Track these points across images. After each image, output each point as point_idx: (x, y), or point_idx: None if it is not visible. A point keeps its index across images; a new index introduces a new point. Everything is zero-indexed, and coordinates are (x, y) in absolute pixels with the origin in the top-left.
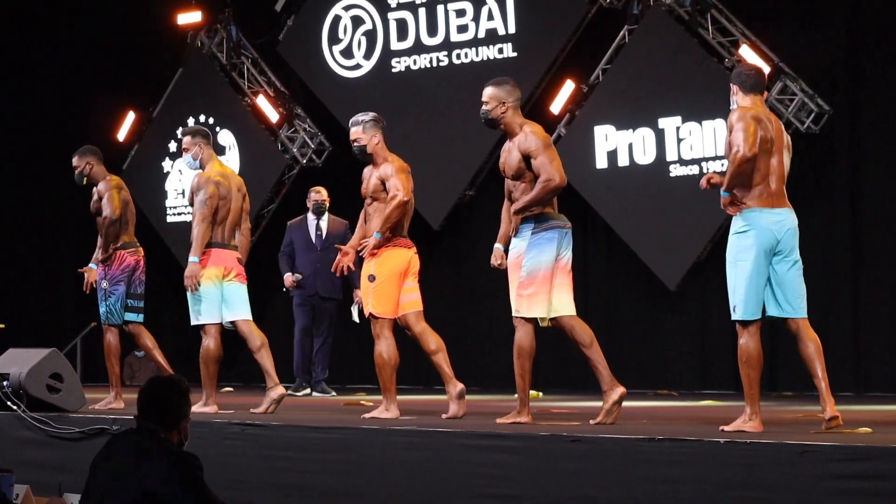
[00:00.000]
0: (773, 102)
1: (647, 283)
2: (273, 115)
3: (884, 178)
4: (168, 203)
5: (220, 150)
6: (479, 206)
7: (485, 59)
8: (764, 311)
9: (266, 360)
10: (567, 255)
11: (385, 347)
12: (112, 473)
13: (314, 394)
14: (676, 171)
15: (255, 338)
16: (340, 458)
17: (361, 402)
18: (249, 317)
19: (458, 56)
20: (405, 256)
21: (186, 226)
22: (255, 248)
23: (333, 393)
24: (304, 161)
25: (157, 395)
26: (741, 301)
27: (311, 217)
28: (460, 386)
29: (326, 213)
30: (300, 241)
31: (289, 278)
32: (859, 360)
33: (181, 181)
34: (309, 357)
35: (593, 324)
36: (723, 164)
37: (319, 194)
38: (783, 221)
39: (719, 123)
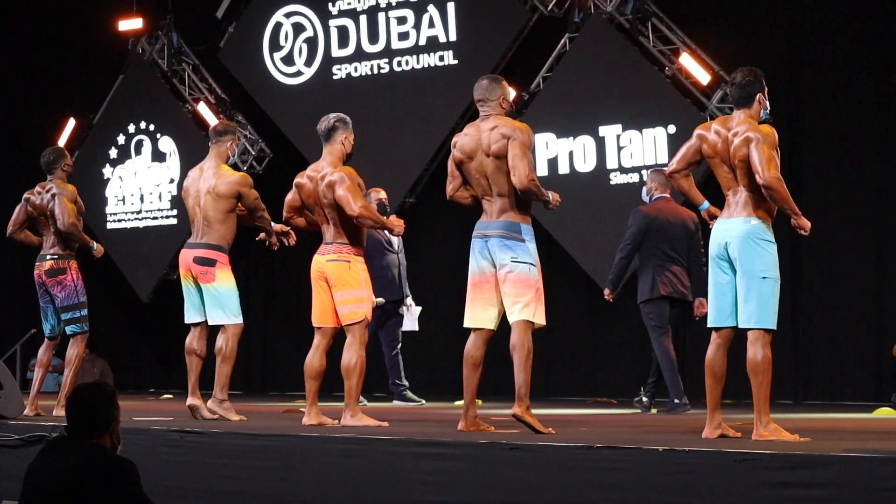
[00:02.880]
0: (714, 111)
1: (588, 291)
2: (214, 122)
3: (823, 187)
4: (108, 209)
5: (160, 157)
6: (420, 214)
7: (426, 66)
8: (707, 319)
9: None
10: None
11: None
12: (47, 480)
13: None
14: (617, 178)
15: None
16: (279, 466)
17: (301, 408)
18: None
19: (400, 63)
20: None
21: (127, 232)
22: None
23: (423, 401)
24: (245, 168)
25: (84, 402)
26: (773, 313)
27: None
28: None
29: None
30: (373, 245)
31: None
32: (798, 369)
33: (122, 187)
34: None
35: (534, 332)
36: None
37: (378, 193)
38: None
39: (659, 132)
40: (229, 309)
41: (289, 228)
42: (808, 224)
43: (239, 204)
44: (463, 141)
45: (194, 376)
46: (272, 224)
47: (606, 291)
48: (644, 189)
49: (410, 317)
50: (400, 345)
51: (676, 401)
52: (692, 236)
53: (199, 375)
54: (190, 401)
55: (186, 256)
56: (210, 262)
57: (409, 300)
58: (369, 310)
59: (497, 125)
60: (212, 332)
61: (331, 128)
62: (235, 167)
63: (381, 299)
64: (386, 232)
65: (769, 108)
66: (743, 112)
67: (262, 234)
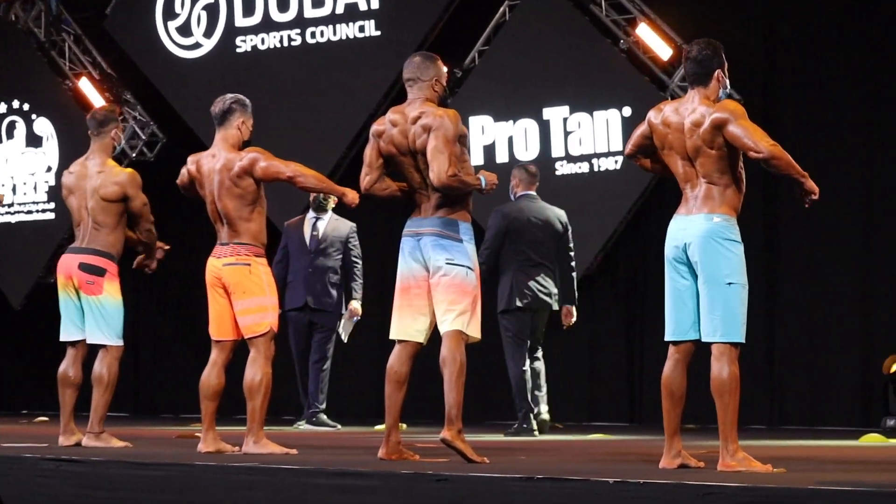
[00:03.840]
0: (676, 90)
1: None
2: (98, 101)
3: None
4: None
5: (35, 141)
6: (337, 209)
7: (344, 38)
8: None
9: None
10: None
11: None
12: None
13: (304, 426)
14: (563, 168)
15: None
16: (171, 500)
17: (196, 433)
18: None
19: (314, 34)
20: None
21: (8, 227)
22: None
23: (338, 426)
24: (134, 155)
25: None
26: (741, 324)
27: (309, 215)
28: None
29: (330, 212)
30: (294, 244)
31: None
32: (772, 388)
33: None
34: (304, 378)
35: (468, 347)
36: (617, 161)
37: None
38: None
39: (613, 115)
40: (113, 328)
41: (168, 247)
42: (816, 188)
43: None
44: (391, 133)
45: (68, 411)
46: (156, 243)
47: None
48: (510, 186)
49: (344, 326)
50: (328, 362)
51: (525, 425)
52: (560, 237)
53: (75, 408)
54: (63, 440)
55: (69, 262)
56: (99, 272)
57: (353, 305)
58: (275, 319)
59: (422, 114)
60: (90, 351)
61: (226, 110)
62: (123, 155)
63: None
64: (307, 228)
65: (729, 85)
66: (698, 92)
67: (141, 257)
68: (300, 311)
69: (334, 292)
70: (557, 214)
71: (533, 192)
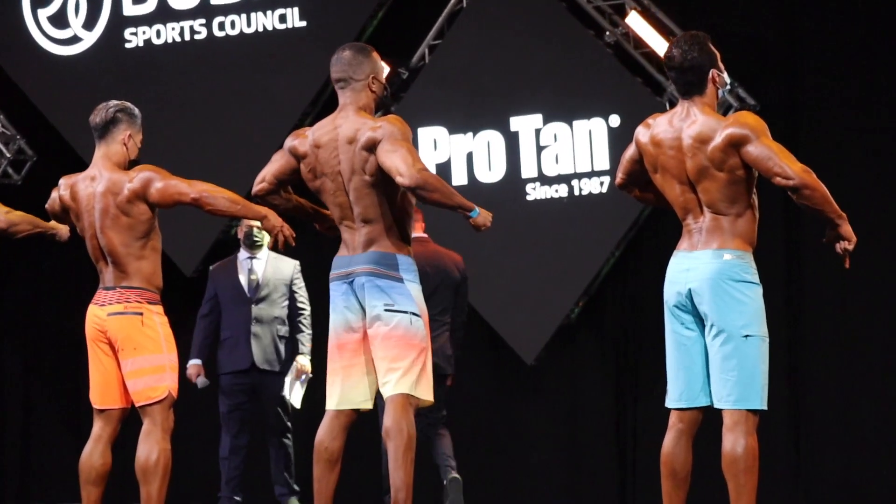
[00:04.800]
0: (674, 94)
1: (494, 354)
2: None
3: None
4: None
5: None
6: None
7: (260, 30)
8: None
9: None
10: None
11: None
12: None
13: None
14: (536, 192)
15: None
16: None
17: None
18: None
19: (223, 26)
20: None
21: None
22: None
23: None
24: None
25: None
26: (762, 386)
27: (241, 255)
28: None
29: (266, 250)
30: (227, 292)
31: (194, 367)
32: (798, 466)
33: None
34: (238, 473)
35: (418, 411)
36: (602, 183)
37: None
38: None
39: (597, 125)
40: None
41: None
42: (853, 236)
43: None
44: (315, 155)
45: None
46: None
47: None
48: None
49: (292, 388)
50: (288, 443)
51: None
52: (457, 288)
53: None
54: None
55: None
56: None
57: (300, 361)
58: (174, 382)
59: (357, 132)
60: None
61: (109, 120)
62: None
63: (202, 379)
64: (241, 272)
65: (728, 79)
66: (693, 103)
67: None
68: (242, 375)
69: (283, 348)
70: (454, 260)
71: (423, 234)
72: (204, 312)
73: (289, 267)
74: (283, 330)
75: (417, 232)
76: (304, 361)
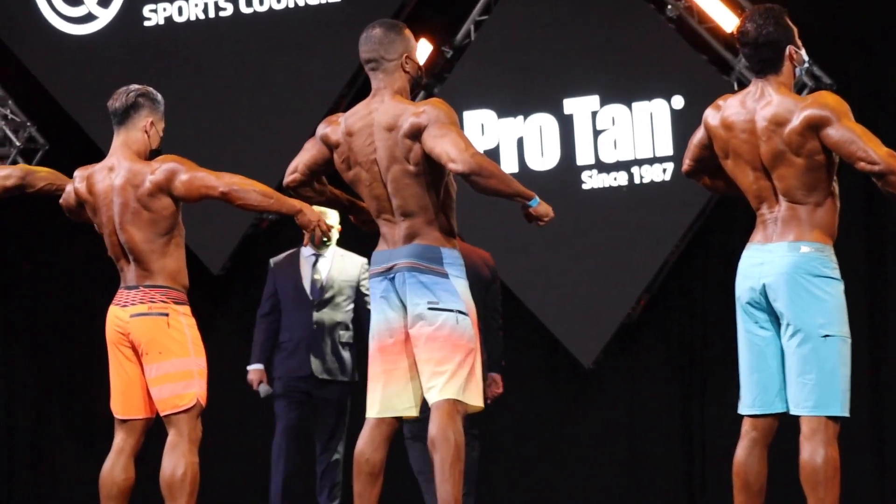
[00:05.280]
0: (743, 73)
1: (549, 358)
2: None
3: None
4: None
5: None
6: (284, 236)
7: (291, 5)
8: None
9: None
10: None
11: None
12: None
13: None
14: (592, 180)
15: None
16: None
17: None
18: None
19: (250, 2)
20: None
21: None
22: None
23: None
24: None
25: None
26: (843, 391)
27: (306, 251)
28: None
29: (333, 248)
30: (288, 292)
31: (255, 373)
32: (883, 477)
33: None
34: (288, 480)
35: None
36: (665, 170)
37: (322, 216)
38: None
39: (658, 107)
40: None
41: None
42: None
43: None
44: (349, 144)
45: None
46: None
47: None
48: None
49: None
50: (337, 455)
51: None
52: (488, 287)
53: None
54: None
55: None
56: None
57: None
58: (203, 389)
59: (398, 112)
60: None
61: (129, 105)
62: None
63: (264, 387)
64: (304, 270)
65: (806, 57)
66: (768, 82)
67: None
68: (299, 381)
69: (347, 355)
70: (483, 257)
71: None
72: (264, 311)
73: (356, 266)
74: (347, 336)
75: None
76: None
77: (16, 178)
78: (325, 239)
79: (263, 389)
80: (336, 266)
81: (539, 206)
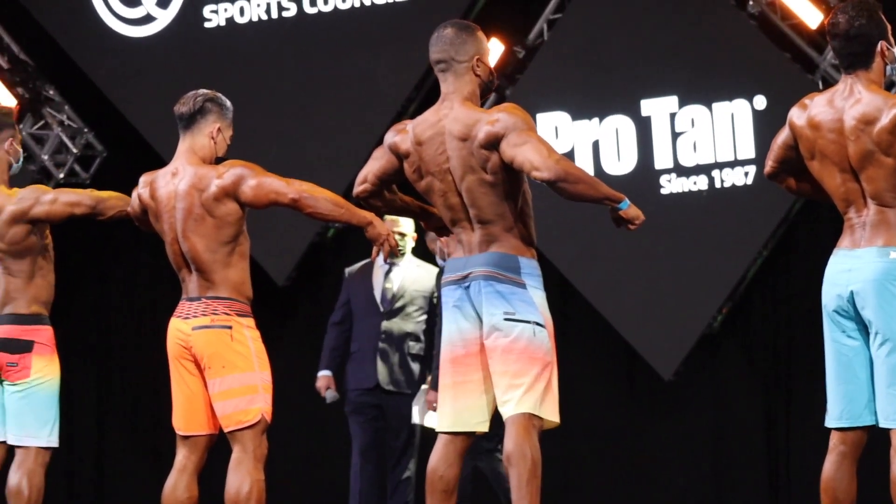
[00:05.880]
0: (828, 72)
1: (628, 369)
2: (7, 100)
3: None
4: None
5: None
6: (351, 245)
7: (357, 5)
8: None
9: None
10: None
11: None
12: None
13: None
14: (672, 184)
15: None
16: None
17: None
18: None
19: (314, 1)
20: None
21: None
22: None
23: None
24: (62, 175)
25: None
26: None
27: (380, 261)
28: None
29: (408, 257)
30: (359, 301)
31: (323, 379)
32: None
33: None
34: (374, 496)
35: (544, 434)
36: (748, 174)
37: (395, 225)
38: None
39: (740, 107)
40: (44, 422)
41: None
42: None
43: (43, 236)
44: (419, 153)
45: None
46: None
47: (433, 398)
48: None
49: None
50: (408, 472)
51: None
52: None
53: None
54: None
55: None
56: (23, 347)
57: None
58: (268, 404)
59: (471, 121)
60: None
61: (196, 110)
62: (45, 175)
63: (331, 392)
64: (376, 279)
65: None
66: (857, 78)
67: None
68: (367, 394)
69: (416, 367)
70: None
71: None
72: (336, 320)
73: (430, 277)
74: (417, 347)
75: None
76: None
77: (85, 206)
78: (394, 253)
79: (330, 395)
80: (409, 275)
81: (629, 208)
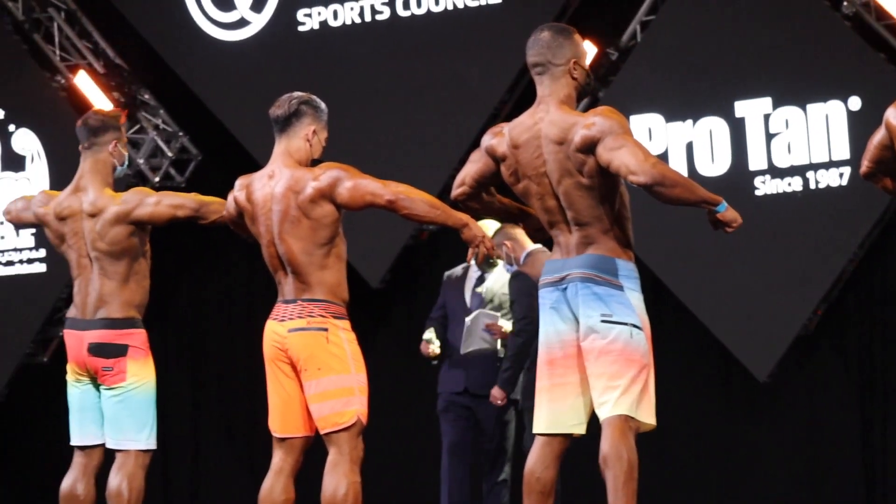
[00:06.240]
0: None
1: (722, 371)
2: (104, 105)
3: None
4: None
5: (15, 162)
6: (444, 248)
7: (450, 7)
8: None
9: None
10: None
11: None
12: None
13: None
14: (766, 186)
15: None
16: None
17: None
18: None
19: (408, 4)
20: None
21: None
22: None
23: None
24: (157, 179)
25: None
26: None
27: (474, 268)
28: None
29: (501, 266)
30: (452, 304)
31: (426, 342)
32: None
33: None
34: (455, 499)
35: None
36: (842, 175)
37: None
38: None
39: (835, 108)
40: (141, 426)
41: None
42: None
43: (143, 241)
44: (515, 157)
45: None
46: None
47: (499, 394)
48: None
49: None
50: (503, 475)
51: None
52: None
53: None
54: None
55: (75, 343)
56: (117, 351)
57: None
58: (363, 406)
59: (567, 125)
60: (106, 459)
61: (292, 113)
62: (141, 178)
63: (434, 347)
64: (468, 284)
65: None
66: None
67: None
68: (458, 397)
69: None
70: None
71: (539, 246)
72: (433, 316)
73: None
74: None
75: (534, 245)
76: (506, 325)
77: (188, 209)
78: (489, 259)
79: (434, 349)
80: (499, 279)
81: (727, 211)
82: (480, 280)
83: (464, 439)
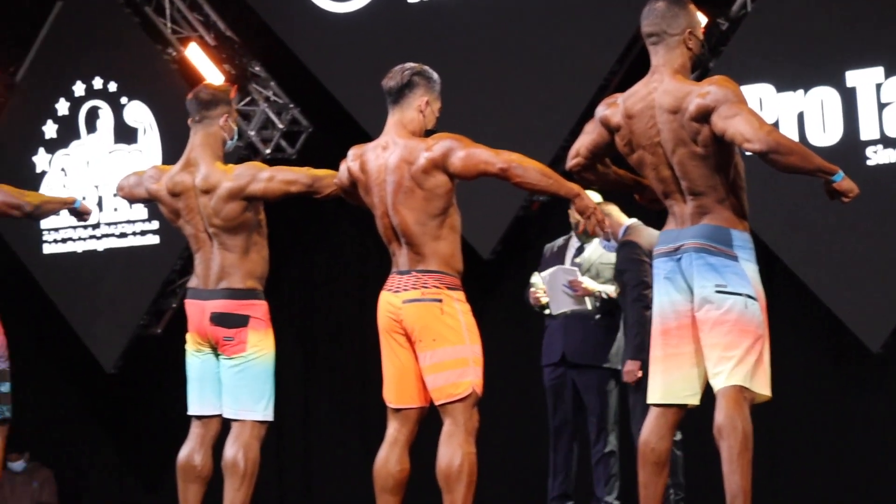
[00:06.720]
0: None
1: (835, 342)
2: (215, 77)
3: None
4: (44, 223)
5: (128, 135)
6: (555, 219)
7: None
8: None
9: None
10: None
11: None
12: None
13: None
14: (878, 156)
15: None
16: None
17: None
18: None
19: None
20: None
21: (77, 259)
22: None
23: None
24: (269, 151)
25: None
26: None
27: (573, 241)
28: None
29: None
30: None
31: (533, 292)
32: None
33: (66, 186)
34: (563, 475)
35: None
36: None
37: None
38: None
39: None
40: (259, 396)
41: None
42: None
43: (257, 212)
44: (629, 126)
45: None
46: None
47: (632, 367)
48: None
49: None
50: (610, 446)
51: None
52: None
53: None
54: None
55: (197, 313)
56: (239, 321)
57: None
58: (478, 377)
59: (682, 94)
60: (223, 429)
61: (404, 84)
62: (252, 150)
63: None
64: (568, 254)
65: None
66: None
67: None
68: (556, 368)
69: (604, 340)
70: None
71: (636, 220)
72: None
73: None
74: (605, 320)
75: (630, 220)
76: (588, 281)
77: (302, 185)
78: (602, 226)
79: (540, 296)
80: (597, 249)
81: (843, 181)
82: (580, 251)
83: (568, 415)
